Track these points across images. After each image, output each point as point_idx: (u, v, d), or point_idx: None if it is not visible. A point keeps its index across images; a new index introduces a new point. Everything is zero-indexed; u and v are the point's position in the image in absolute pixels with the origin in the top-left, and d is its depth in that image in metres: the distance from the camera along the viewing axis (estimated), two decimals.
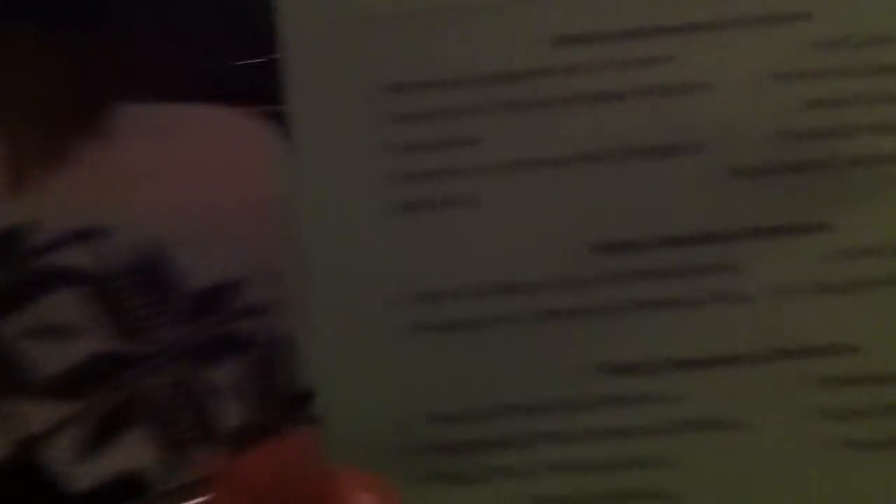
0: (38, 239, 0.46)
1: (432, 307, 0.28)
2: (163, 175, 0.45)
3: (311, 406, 0.28)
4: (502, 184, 0.28)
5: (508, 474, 0.28)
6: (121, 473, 0.44)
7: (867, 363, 0.28)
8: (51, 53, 0.44)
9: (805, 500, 0.28)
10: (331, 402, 0.28)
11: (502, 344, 0.28)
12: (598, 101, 0.28)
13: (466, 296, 0.28)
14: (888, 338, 0.28)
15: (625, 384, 0.28)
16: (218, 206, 0.44)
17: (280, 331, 0.33)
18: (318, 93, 0.28)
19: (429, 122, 0.28)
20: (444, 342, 0.28)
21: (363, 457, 0.28)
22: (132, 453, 0.44)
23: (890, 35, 0.28)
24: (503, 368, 0.28)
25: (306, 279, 0.28)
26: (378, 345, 0.28)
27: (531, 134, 0.28)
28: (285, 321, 0.33)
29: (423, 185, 0.28)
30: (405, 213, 0.28)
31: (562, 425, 0.28)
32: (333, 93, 0.28)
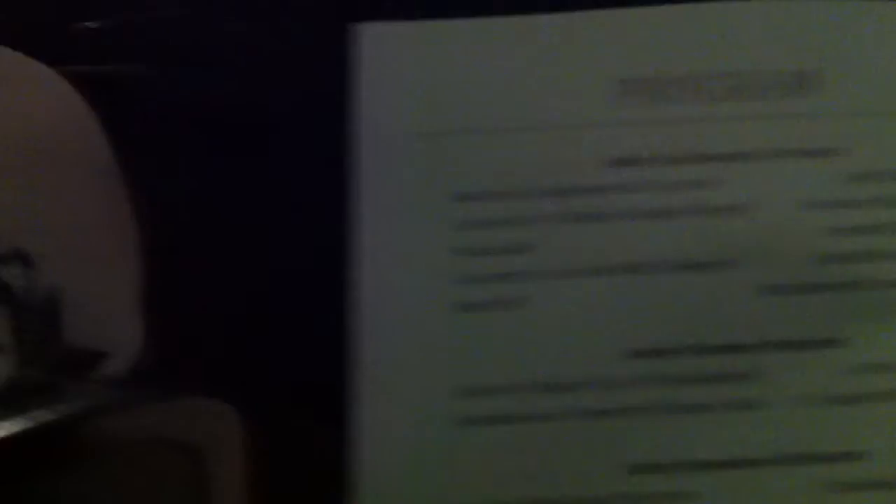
0: None
1: (480, 401, 0.30)
2: None
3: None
4: (551, 288, 0.30)
5: None
6: None
7: (874, 470, 0.30)
8: None
9: None
10: (368, 492, 0.29)
11: (536, 440, 0.30)
12: (644, 217, 0.30)
13: (512, 392, 0.30)
14: (894, 446, 0.30)
15: (648, 482, 0.30)
16: None
17: (47, 284, 0.32)
18: (393, 197, 0.29)
19: (491, 229, 0.30)
20: (484, 434, 0.30)
21: None
22: None
23: None
24: (534, 463, 0.30)
25: (361, 368, 0.30)
26: (421, 435, 0.30)
27: (581, 244, 0.30)
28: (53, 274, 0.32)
29: (482, 287, 0.30)
30: (463, 312, 0.30)
31: None
32: (408, 198, 0.29)
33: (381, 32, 0.31)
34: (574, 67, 0.31)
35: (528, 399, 0.30)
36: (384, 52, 0.31)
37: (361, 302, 0.30)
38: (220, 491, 0.29)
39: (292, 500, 0.30)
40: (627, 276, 0.30)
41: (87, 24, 0.33)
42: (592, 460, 0.30)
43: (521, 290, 0.30)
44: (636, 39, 0.31)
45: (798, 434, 0.30)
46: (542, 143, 0.30)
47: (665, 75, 0.31)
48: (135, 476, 0.27)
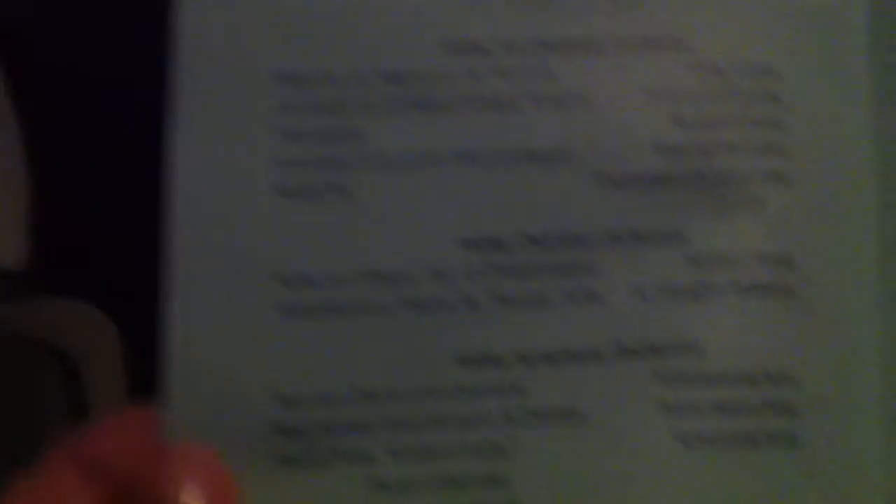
0: None
1: (298, 289, 0.28)
2: None
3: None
4: (380, 177, 0.28)
5: (349, 458, 0.28)
6: None
7: (709, 363, 0.29)
8: None
9: (636, 490, 0.29)
10: (178, 377, 0.28)
11: (362, 331, 0.28)
12: (480, 106, 0.28)
13: (333, 282, 0.28)
14: (727, 340, 0.29)
15: (475, 375, 0.29)
16: None
17: None
18: (210, 78, 0.28)
19: (314, 114, 0.28)
20: (306, 325, 0.28)
21: (205, 437, 0.28)
22: None
23: (762, 65, 0.29)
24: (362, 354, 0.28)
25: (173, 250, 0.28)
26: (237, 323, 0.28)
27: (412, 132, 0.28)
28: None
29: (303, 173, 0.28)
30: (282, 197, 0.28)
31: (407, 412, 0.29)
32: (225, 79, 0.27)
33: None
34: None
35: (353, 289, 0.28)
36: None
37: (178, 183, 0.28)
38: (94, 398, 0.28)
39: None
40: (461, 166, 0.29)
41: None
42: (420, 352, 0.29)
43: (347, 177, 0.28)
44: None
45: (633, 327, 0.29)
46: (375, 24, 0.28)
47: None
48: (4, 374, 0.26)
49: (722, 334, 0.29)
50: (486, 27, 0.29)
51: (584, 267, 0.29)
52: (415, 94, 0.28)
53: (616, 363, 0.29)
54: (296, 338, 0.28)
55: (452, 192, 0.29)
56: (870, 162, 0.30)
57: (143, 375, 0.27)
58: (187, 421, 0.28)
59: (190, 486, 0.26)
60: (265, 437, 0.28)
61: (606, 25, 0.29)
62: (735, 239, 0.29)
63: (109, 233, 0.31)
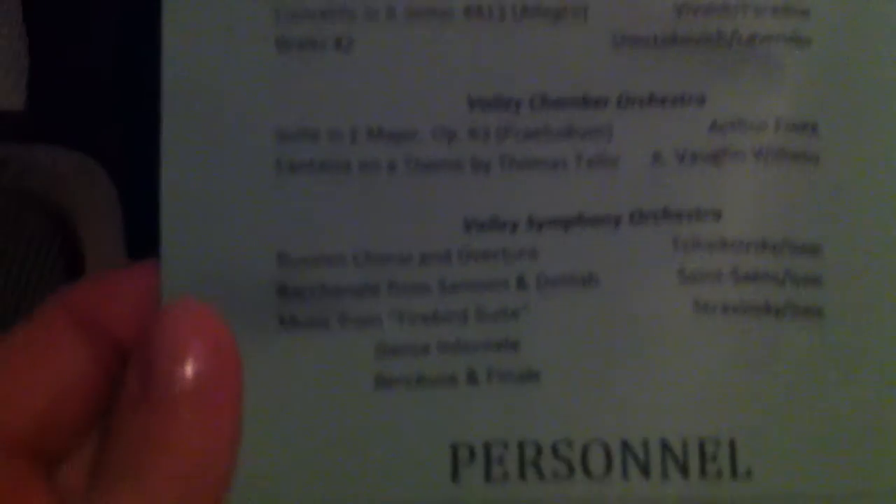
0: None
1: (299, 146, 0.27)
2: None
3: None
4: (382, 29, 0.27)
5: (354, 322, 0.28)
6: None
7: (725, 229, 0.28)
8: None
9: (651, 358, 0.28)
10: (175, 234, 0.27)
11: (367, 190, 0.27)
12: None
13: (336, 138, 0.27)
14: (748, 207, 0.28)
15: (485, 239, 0.28)
16: None
17: None
18: None
19: None
20: (307, 182, 0.27)
21: (203, 296, 0.27)
22: None
23: None
24: (365, 215, 0.27)
25: (168, 103, 0.27)
26: (236, 179, 0.27)
27: None
28: None
29: (304, 25, 0.27)
30: (282, 50, 0.27)
31: (414, 277, 0.28)
32: None
33: None
34: None
35: (356, 146, 0.27)
36: None
37: (170, 39, 0.27)
38: (90, 253, 0.27)
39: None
40: (470, 21, 0.28)
41: None
42: (424, 214, 0.28)
43: (350, 29, 0.27)
44: None
45: (650, 192, 0.28)
46: None
47: None
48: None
49: (742, 201, 0.28)
50: None
51: (598, 130, 0.28)
52: None
53: (632, 228, 0.28)
54: (297, 195, 0.27)
55: (460, 48, 0.27)
56: (893, 23, 0.29)
57: (141, 233, 0.26)
58: (185, 280, 0.27)
59: (187, 343, 0.25)
60: (267, 298, 0.27)
61: None
62: (755, 103, 0.28)
63: (109, 84, 0.30)
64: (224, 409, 0.26)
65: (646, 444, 0.28)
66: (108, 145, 0.30)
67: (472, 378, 0.28)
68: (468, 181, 0.28)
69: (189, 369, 0.25)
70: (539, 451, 0.28)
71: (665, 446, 0.28)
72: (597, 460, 0.28)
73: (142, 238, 0.26)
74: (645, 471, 0.28)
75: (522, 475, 0.28)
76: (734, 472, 0.28)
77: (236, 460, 0.26)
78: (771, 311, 0.28)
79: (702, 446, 0.28)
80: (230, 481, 0.26)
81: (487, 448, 0.28)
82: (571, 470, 0.28)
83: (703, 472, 0.28)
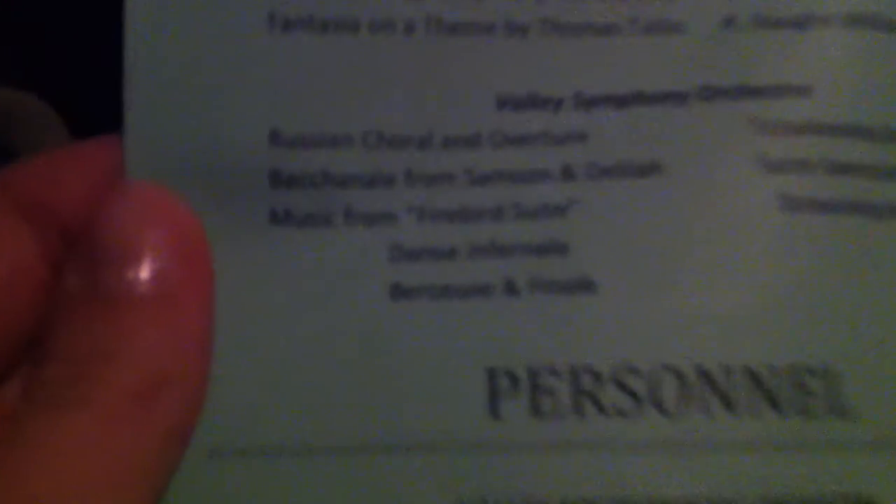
0: None
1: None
2: None
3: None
4: None
5: (363, 218, 0.22)
6: None
7: (815, 111, 0.23)
8: None
9: (723, 258, 0.22)
10: (142, 99, 0.22)
11: (379, 56, 0.22)
12: None
13: None
14: (840, 84, 0.23)
15: (522, 119, 0.23)
16: None
17: None
18: None
19: None
20: (306, 43, 0.22)
21: (177, 180, 0.22)
22: None
23: None
24: (377, 87, 0.22)
25: None
26: (219, 33, 0.22)
27: None
28: None
29: None
30: None
31: (435, 164, 0.22)
32: None
33: None
34: None
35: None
36: None
37: None
38: None
39: None
40: None
41: None
42: (448, 88, 0.23)
43: None
44: None
45: (723, 63, 0.23)
46: None
47: None
48: None
49: (833, 76, 0.23)
50: None
51: None
52: None
53: (702, 106, 0.23)
54: (293, 58, 0.22)
55: None
56: None
57: None
58: (153, 157, 0.22)
59: (141, 233, 0.20)
60: (255, 186, 0.22)
61: None
62: None
63: (56, 22, 0.25)
64: (188, 315, 0.20)
65: (728, 372, 0.22)
66: (62, 87, 0.25)
67: (510, 288, 0.22)
68: (501, 48, 0.22)
69: (142, 265, 0.20)
70: (598, 378, 0.22)
71: (751, 375, 0.22)
72: (669, 391, 0.22)
73: None
74: (728, 405, 0.22)
75: (578, 409, 0.22)
76: (835, 410, 0.22)
77: (207, 378, 0.20)
78: (869, 210, 0.23)
79: (796, 375, 0.22)
80: (199, 403, 0.20)
81: (533, 375, 0.22)
82: (639, 403, 0.22)
83: (799, 407, 0.22)
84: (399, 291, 0.22)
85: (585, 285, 0.22)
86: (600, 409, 0.22)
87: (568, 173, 0.23)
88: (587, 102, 0.23)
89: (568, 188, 0.23)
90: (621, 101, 0.23)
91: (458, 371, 0.22)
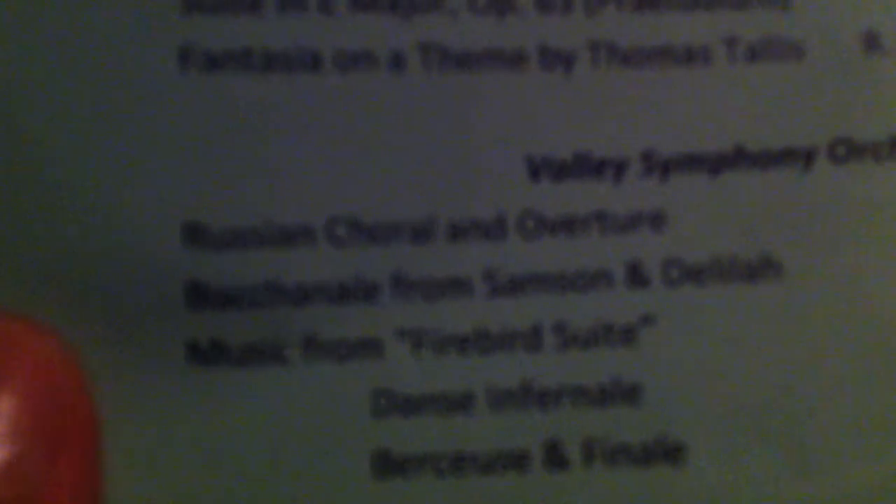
0: None
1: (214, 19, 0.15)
2: None
3: None
4: None
5: (336, 349, 0.15)
6: None
7: None
8: None
9: (866, 401, 0.15)
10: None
11: (354, 101, 0.15)
12: None
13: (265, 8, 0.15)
14: None
15: (567, 194, 0.15)
16: None
17: None
18: None
19: None
20: (245, 87, 0.15)
21: (49, 301, 0.14)
22: None
23: None
24: (348, 145, 0.15)
25: None
26: (112, 71, 0.14)
27: None
28: None
29: None
30: None
31: (441, 264, 0.15)
32: None
33: None
34: None
35: None
36: None
37: None
38: None
39: None
40: None
41: None
42: (463, 150, 0.15)
43: None
44: None
45: (861, 103, 0.15)
46: None
47: None
48: None
49: None
50: None
51: None
52: None
53: (836, 170, 0.15)
54: (214, 113, 0.14)
55: None
56: None
57: None
58: (14, 272, 0.14)
59: None
60: (166, 308, 0.15)
61: None
62: None
63: None
64: None
65: None
66: None
67: (555, 457, 0.15)
68: (535, 87, 0.15)
69: None
70: None
71: None
72: None
73: None
74: None
75: None
76: None
77: None
78: None
79: None
80: None
81: None
82: None
83: None
84: (386, 463, 0.15)
85: (669, 451, 0.15)
86: None
87: (637, 276, 0.15)
88: (663, 166, 0.15)
89: (639, 298, 0.15)
90: (714, 165, 0.15)
91: None
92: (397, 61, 0.15)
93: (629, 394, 0.15)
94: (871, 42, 0.15)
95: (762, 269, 0.15)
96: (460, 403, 0.15)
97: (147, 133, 0.14)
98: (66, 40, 0.14)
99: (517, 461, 0.15)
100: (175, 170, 0.14)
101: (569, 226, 0.15)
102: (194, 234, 0.14)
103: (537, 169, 0.15)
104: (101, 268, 0.14)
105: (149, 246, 0.14)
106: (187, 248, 0.14)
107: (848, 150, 0.15)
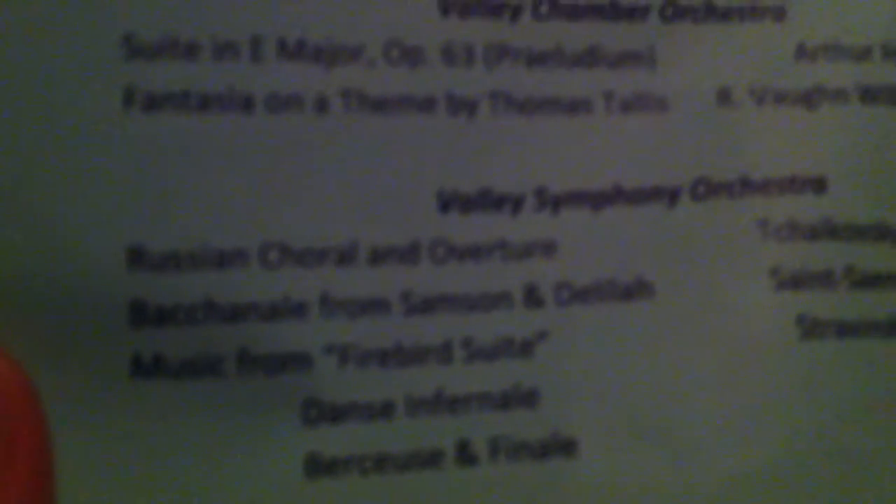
0: None
1: (158, 67, 0.16)
2: None
3: None
4: None
5: (268, 362, 0.16)
6: None
7: (834, 207, 0.18)
8: None
9: (725, 400, 0.17)
10: None
11: (283, 140, 0.16)
12: None
13: (219, 51, 0.16)
14: (862, 172, 0.19)
15: (473, 225, 0.17)
16: None
17: None
18: None
19: None
20: (184, 129, 0.16)
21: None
22: None
23: None
24: (279, 179, 0.16)
25: None
26: (55, 116, 0.16)
27: None
28: None
29: None
30: None
31: (363, 285, 0.17)
32: None
33: None
34: None
35: (259, 65, 0.17)
36: None
37: None
38: None
39: None
40: None
41: None
42: (381, 185, 0.17)
43: None
44: None
45: (717, 150, 0.18)
46: None
47: None
48: None
49: (849, 164, 0.19)
50: None
51: (636, 55, 0.18)
52: None
53: (697, 207, 0.18)
54: (156, 149, 0.16)
55: None
56: None
57: None
58: None
59: None
60: (111, 326, 0.16)
61: None
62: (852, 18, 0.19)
63: None
64: None
65: None
66: None
67: (465, 455, 0.17)
68: (443, 130, 0.17)
69: None
70: None
71: None
72: None
73: None
74: None
75: None
76: None
77: None
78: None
79: None
80: None
81: None
82: None
83: None
84: (317, 464, 0.16)
85: (563, 446, 0.17)
86: None
87: (533, 297, 0.17)
88: (554, 202, 0.17)
89: (534, 317, 0.17)
90: (596, 201, 0.18)
91: None
92: (321, 105, 0.16)
93: (527, 398, 0.17)
94: (724, 96, 0.18)
95: (637, 289, 0.17)
96: (382, 411, 0.16)
97: (94, 165, 0.16)
98: (22, 77, 0.15)
99: (433, 459, 0.17)
100: (120, 198, 0.16)
101: (474, 252, 0.17)
102: (137, 257, 0.16)
103: (446, 202, 0.17)
104: (50, 289, 0.15)
105: (95, 268, 0.15)
106: (130, 269, 0.16)
107: (706, 189, 0.18)
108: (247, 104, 0.16)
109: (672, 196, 0.18)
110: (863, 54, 0.18)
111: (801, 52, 0.18)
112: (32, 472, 0.15)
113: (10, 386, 0.15)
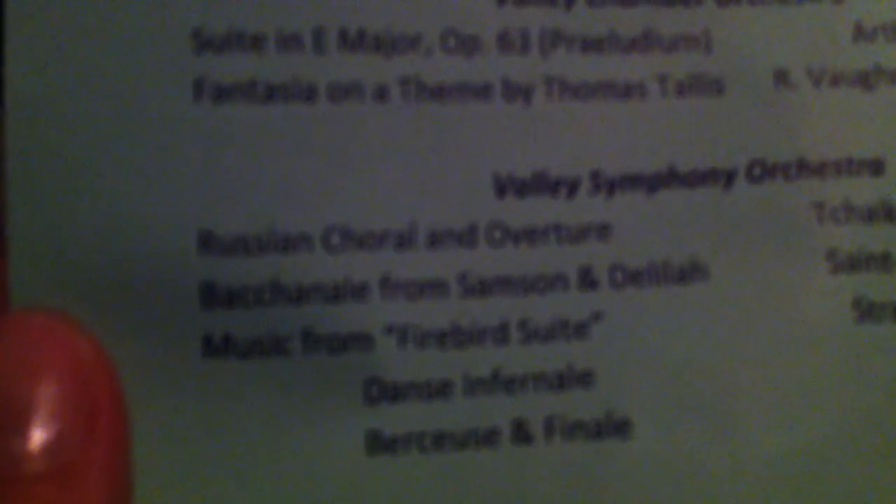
0: None
1: (229, 58, 0.17)
2: None
3: None
4: None
5: (331, 342, 0.17)
6: None
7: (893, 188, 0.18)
8: None
9: (779, 381, 0.18)
10: (25, 197, 0.16)
11: (344, 127, 0.17)
12: None
13: (286, 42, 0.17)
14: None
15: (528, 208, 0.18)
16: None
17: None
18: None
19: None
20: (251, 116, 0.17)
21: (78, 301, 0.16)
22: None
23: None
24: (341, 165, 0.17)
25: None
26: (130, 105, 0.16)
27: None
28: None
29: None
30: None
31: (422, 267, 0.17)
32: None
33: None
34: None
35: (323, 57, 0.17)
36: None
37: None
38: None
39: None
40: None
41: None
42: (438, 170, 0.17)
43: None
44: None
45: (774, 132, 0.18)
46: None
47: None
48: None
49: None
50: None
51: (692, 38, 0.18)
52: None
53: (752, 189, 0.18)
54: (225, 138, 0.16)
55: None
56: None
57: None
58: (44, 274, 0.16)
59: (32, 380, 0.15)
60: (183, 307, 0.16)
61: None
62: None
63: None
64: (94, 490, 0.15)
65: None
66: None
67: (521, 433, 0.17)
68: (499, 116, 0.17)
69: (28, 432, 0.15)
70: None
71: None
72: None
73: None
74: None
75: None
76: None
77: None
78: None
79: None
80: None
81: None
82: None
83: None
84: (378, 442, 0.17)
85: (618, 426, 0.17)
86: None
87: (588, 279, 0.18)
88: (608, 185, 0.18)
89: (589, 299, 0.18)
90: (651, 183, 0.18)
91: None
92: (381, 93, 0.17)
93: (582, 378, 0.17)
94: (781, 78, 0.18)
95: (691, 271, 0.18)
96: (440, 390, 0.17)
97: (167, 154, 0.16)
98: (99, 71, 0.16)
99: (489, 438, 0.17)
100: (191, 185, 0.16)
101: (530, 236, 0.17)
102: (207, 241, 0.16)
103: (503, 186, 0.17)
104: (126, 272, 0.16)
105: (168, 252, 0.16)
106: (201, 253, 0.16)
107: (762, 171, 0.18)
108: (310, 94, 0.17)
109: (728, 178, 0.18)
110: None
111: (859, 33, 0.18)
112: (112, 445, 0.16)
113: (91, 364, 0.16)
